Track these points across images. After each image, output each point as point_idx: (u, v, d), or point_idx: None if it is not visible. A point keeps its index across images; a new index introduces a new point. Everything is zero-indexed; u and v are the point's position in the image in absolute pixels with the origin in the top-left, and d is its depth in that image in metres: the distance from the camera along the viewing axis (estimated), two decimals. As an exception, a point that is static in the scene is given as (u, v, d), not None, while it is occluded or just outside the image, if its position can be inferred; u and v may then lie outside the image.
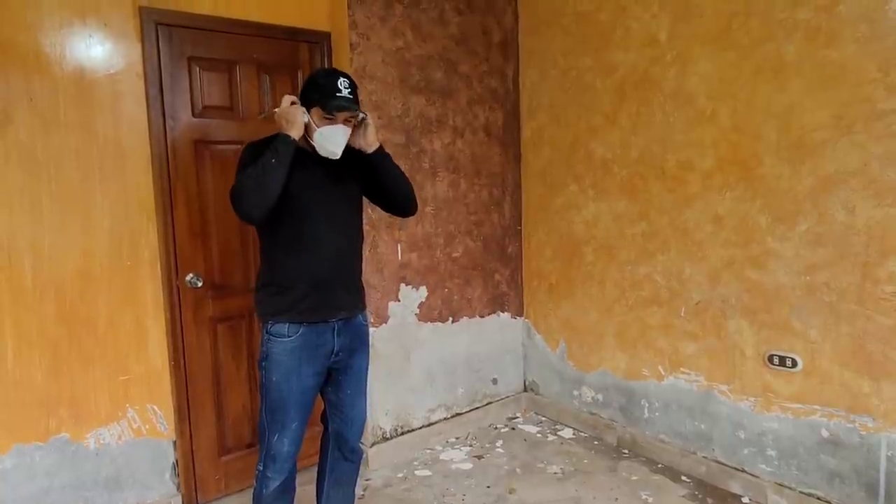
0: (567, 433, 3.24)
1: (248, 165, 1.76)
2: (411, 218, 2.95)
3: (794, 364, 2.33)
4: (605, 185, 3.01)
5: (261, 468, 1.92)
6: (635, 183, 2.86)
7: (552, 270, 3.35)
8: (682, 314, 2.71)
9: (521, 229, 3.51)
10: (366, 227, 2.81)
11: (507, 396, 3.50)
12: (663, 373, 2.82)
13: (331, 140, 1.82)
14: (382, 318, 2.91)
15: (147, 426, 2.42)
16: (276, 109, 1.83)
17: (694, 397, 2.70)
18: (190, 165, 2.45)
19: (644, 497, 2.56)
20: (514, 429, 3.33)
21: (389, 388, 2.96)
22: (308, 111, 1.82)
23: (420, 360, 3.08)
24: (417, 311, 3.05)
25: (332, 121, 1.81)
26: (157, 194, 2.37)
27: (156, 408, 2.43)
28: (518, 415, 3.51)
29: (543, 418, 3.45)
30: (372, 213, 2.82)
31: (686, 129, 2.62)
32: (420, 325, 3.07)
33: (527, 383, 3.59)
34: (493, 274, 3.39)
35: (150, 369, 2.41)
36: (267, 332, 1.86)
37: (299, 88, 2.70)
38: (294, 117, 1.76)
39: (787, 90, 2.27)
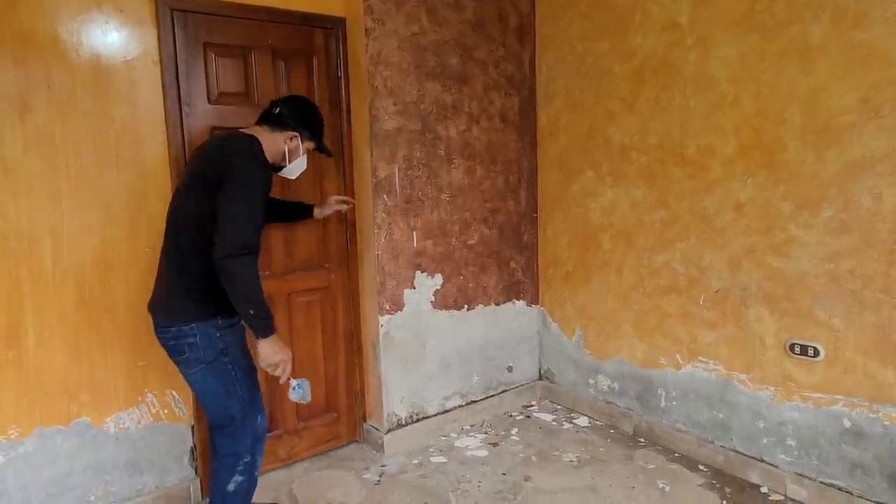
0: (583, 421, 3.23)
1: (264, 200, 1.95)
2: (426, 205, 2.95)
3: (816, 353, 2.29)
4: (622, 171, 2.97)
5: (248, 459, 2.04)
6: (654, 169, 2.82)
7: (568, 258, 3.32)
8: (702, 302, 2.67)
9: (536, 216, 3.48)
10: (381, 215, 2.81)
11: (523, 384, 3.49)
12: (681, 361, 2.79)
13: (301, 168, 2.23)
14: (398, 306, 2.91)
15: (166, 411, 2.45)
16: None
17: (712, 386, 2.67)
18: (206, 152, 2.45)
19: (661, 486, 2.55)
20: (529, 417, 3.32)
21: (404, 376, 2.97)
22: (303, 139, 2.15)
23: (435, 347, 3.08)
24: (433, 298, 3.04)
25: (306, 155, 2.21)
26: (173, 181, 2.38)
27: (174, 393, 2.46)
28: (533, 403, 3.51)
29: (559, 406, 3.44)
30: (388, 200, 2.82)
31: (707, 115, 2.57)
32: (435, 312, 3.06)
33: (542, 371, 3.58)
34: (509, 261, 3.37)
35: (168, 355, 2.43)
36: (217, 329, 1.95)
37: (314, 75, 2.72)
38: (284, 374, 2.00)
39: (813, 73, 2.22)
